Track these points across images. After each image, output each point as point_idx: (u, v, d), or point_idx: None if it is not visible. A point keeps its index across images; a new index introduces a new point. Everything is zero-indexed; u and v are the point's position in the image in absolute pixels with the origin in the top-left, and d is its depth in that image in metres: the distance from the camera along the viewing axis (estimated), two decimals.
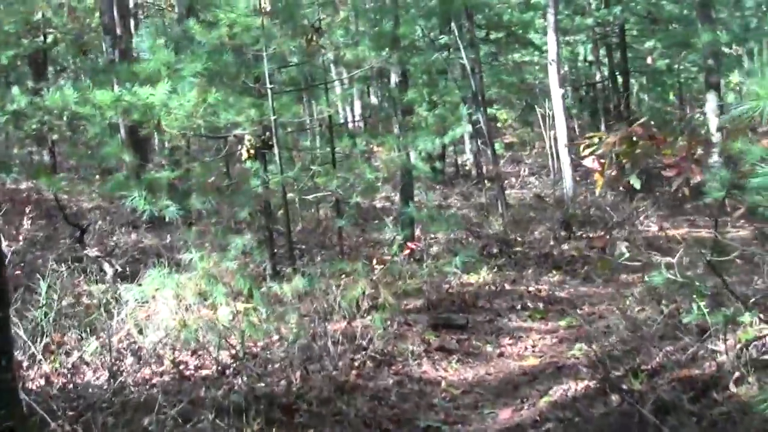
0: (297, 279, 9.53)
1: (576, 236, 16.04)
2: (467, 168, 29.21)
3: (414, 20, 14.39)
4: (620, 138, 7.08)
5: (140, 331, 9.33)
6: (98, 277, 11.80)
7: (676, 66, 29.98)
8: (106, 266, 12.47)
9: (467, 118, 21.34)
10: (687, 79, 31.21)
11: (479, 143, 26.14)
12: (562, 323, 10.89)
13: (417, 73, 19.15)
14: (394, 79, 14.36)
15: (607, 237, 16.06)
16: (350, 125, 14.63)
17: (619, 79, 27.25)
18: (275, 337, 9.18)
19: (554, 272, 13.66)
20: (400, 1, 14.08)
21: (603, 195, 18.03)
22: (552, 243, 15.54)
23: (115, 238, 15.14)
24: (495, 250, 15.00)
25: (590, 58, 29.56)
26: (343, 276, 9.73)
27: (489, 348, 9.80)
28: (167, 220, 10.31)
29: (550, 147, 20.01)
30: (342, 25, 11.61)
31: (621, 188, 14.74)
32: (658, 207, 20.58)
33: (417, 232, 14.18)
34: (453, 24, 20.85)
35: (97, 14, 23.51)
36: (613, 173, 7.57)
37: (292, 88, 12.74)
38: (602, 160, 7.18)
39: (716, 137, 24.77)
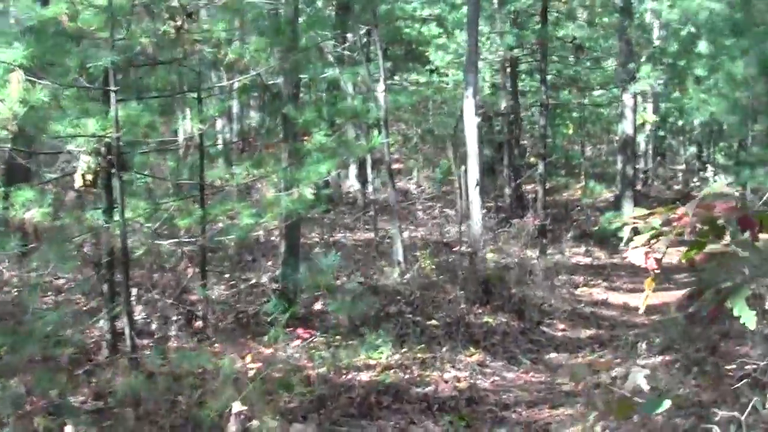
0: (133, 376, 6.46)
1: (494, 297, 13.34)
2: (351, 195, 26.35)
3: (319, 20, 11.46)
4: (695, 219, 4.19)
5: None
6: None
7: (580, 100, 27.98)
8: None
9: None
10: (594, 114, 29.20)
11: (372, 170, 23.48)
12: None
13: (319, 86, 16.28)
14: (285, 92, 11.40)
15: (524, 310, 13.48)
16: (221, 148, 11.49)
17: (522, 111, 25.02)
18: None
19: (472, 349, 10.91)
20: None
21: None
22: (463, 305, 12.79)
23: None
24: (394, 310, 12.20)
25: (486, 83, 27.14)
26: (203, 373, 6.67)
27: None
28: None
29: (459, 184, 17.42)
30: (226, 16, 8.53)
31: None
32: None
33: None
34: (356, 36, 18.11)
35: None
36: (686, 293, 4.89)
37: (153, 95, 9.59)
38: (658, 256, 4.27)
39: (630, 178, 22.82)
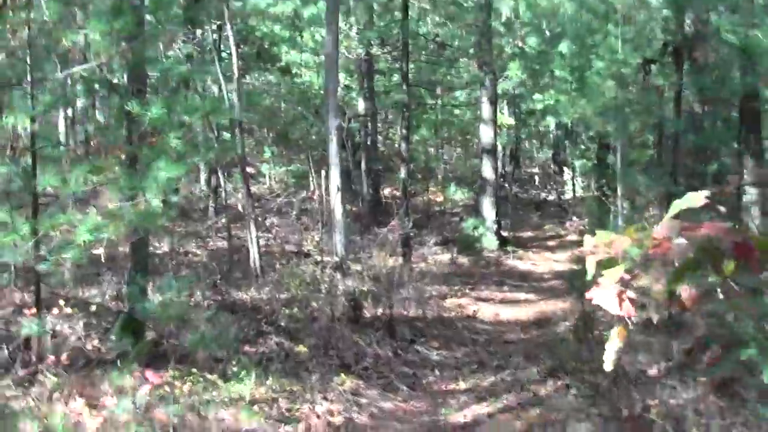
0: None
1: (362, 313, 12.29)
2: (202, 201, 24.84)
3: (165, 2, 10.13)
4: (685, 246, 3.15)
5: None
6: None
7: (437, 101, 27.28)
8: None
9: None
10: (451, 116, 28.61)
11: (223, 173, 22.07)
12: None
13: (168, 86, 14.86)
14: (130, 86, 9.98)
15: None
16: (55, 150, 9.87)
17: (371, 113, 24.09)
18: None
19: (343, 376, 9.77)
20: None
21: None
22: (329, 324, 11.66)
23: None
24: (255, 331, 11.01)
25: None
26: None
27: None
28: None
29: (319, 191, 16.32)
30: None
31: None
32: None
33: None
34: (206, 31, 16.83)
35: None
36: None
37: None
38: (632, 296, 3.23)
39: (491, 182, 22.18)
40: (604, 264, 3.28)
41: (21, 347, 7.77)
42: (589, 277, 3.27)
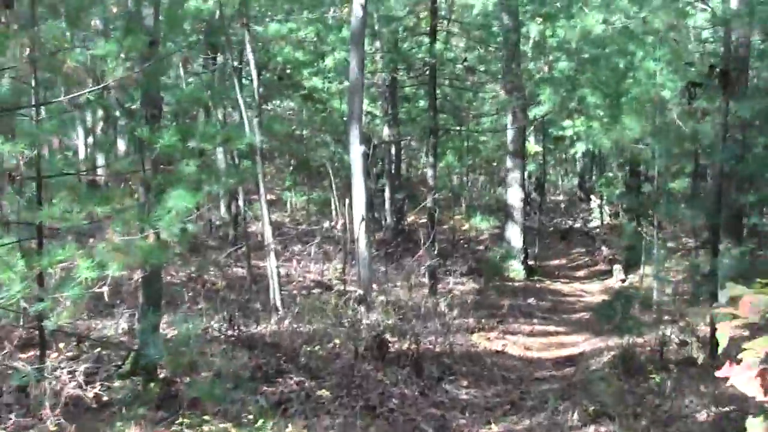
0: None
1: (388, 349, 11.63)
2: (221, 229, 24.27)
3: (178, 17, 9.60)
4: None
5: None
6: None
7: (462, 128, 26.64)
8: None
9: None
10: (477, 143, 28.05)
11: (243, 200, 21.55)
12: None
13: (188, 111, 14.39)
14: (145, 111, 9.43)
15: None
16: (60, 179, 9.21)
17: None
18: None
19: (368, 419, 9.14)
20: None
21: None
22: (353, 361, 11.03)
23: None
24: (274, 368, 10.41)
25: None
26: None
27: None
28: None
29: (343, 218, 15.75)
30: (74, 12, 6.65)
31: None
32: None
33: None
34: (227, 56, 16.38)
35: None
36: None
37: None
38: None
39: (518, 210, 21.58)
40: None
41: (18, 393, 7.20)
42: (721, 349, 2.59)
